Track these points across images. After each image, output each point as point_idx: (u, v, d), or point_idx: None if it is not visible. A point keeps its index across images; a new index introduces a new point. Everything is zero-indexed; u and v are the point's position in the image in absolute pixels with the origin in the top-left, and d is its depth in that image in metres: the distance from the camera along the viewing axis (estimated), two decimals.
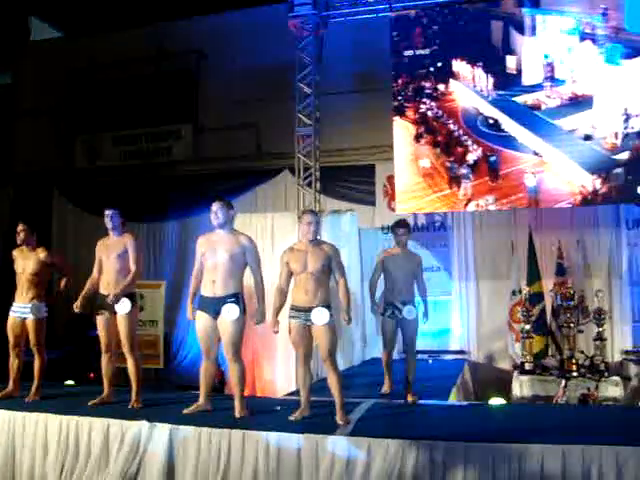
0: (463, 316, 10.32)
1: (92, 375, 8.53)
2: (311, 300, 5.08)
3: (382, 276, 6.36)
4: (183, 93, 12.13)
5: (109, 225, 5.84)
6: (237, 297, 5.27)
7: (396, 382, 6.49)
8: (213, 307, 5.24)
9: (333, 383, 5.11)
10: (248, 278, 5.44)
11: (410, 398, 6.02)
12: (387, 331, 6.35)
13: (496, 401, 6.60)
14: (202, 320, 5.32)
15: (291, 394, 7.01)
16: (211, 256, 5.28)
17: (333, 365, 5.11)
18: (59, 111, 12.59)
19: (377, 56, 10.01)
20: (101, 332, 5.81)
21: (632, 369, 9.06)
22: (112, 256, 5.76)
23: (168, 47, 11.88)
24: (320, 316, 5.04)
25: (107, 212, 5.83)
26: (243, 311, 5.27)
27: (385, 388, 6.58)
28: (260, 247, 8.93)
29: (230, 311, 5.20)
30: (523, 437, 4.46)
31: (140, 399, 5.69)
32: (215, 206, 5.32)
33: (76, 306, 5.80)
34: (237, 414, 5.25)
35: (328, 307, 5.08)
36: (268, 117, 10.99)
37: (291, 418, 5.09)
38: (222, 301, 5.22)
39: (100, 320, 5.79)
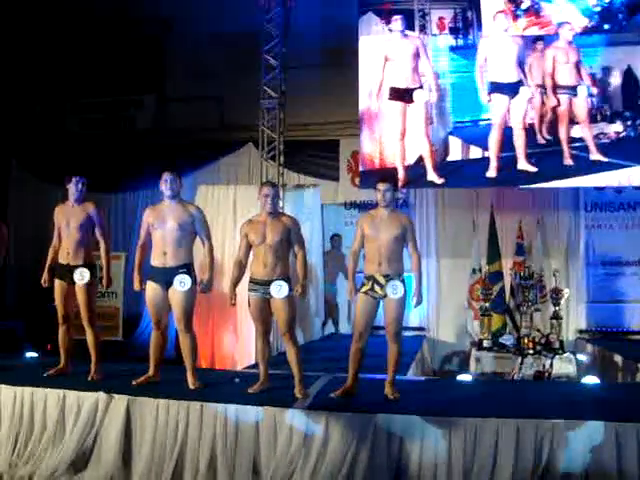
0: (423, 293, 10.40)
1: (49, 346, 8.41)
2: (270, 273, 5.04)
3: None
4: (148, 62, 11.89)
5: (74, 192, 5.69)
6: (188, 268, 5.27)
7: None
8: (164, 277, 5.23)
9: (292, 357, 5.10)
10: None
11: (391, 393, 4.96)
12: (362, 313, 5.00)
13: (462, 377, 6.60)
14: (152, 290, 5.30)
15: (250, 367, 7.02)
16: (160, 226, 5.25)
17: (292, 339, 5.11)
18: (17, 77, 12.23)
19: (345, 31, 9.93)
20: (59, 303, 5.71)
21: (586, 348, 9.31)
22: (73, 225, 5.63)
23: (134, 14, 11.60)
24: (279, 289, 5.00)
25: (75, 179, 5.69)
26: (194, 282, 5.28)
27: (342, 389, 5.01)
28: (222, 220, 9.02)
29: (182, 282, 5.19)
30: (479, 411, 4.53)
31: (99, 371, 5.63)
32: (168, 175, 5.28)
33: (44, 281, 5.73)
34: (190, 386, 5.24)
35: (287, 280, 5.05)
36: (233, 89, 10.85)
37: (250, 391, 5.08)
38: (173, 272, 5.21)
39: (58, 290, 5.69)
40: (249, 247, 5.18)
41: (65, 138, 12.04)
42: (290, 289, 5.05)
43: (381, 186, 5.07)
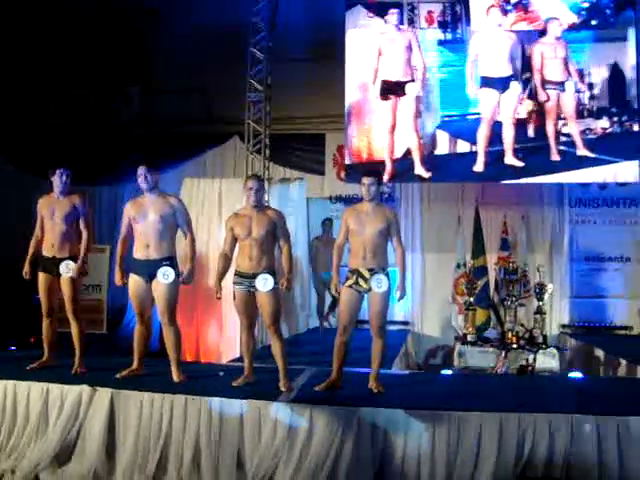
0: (408, 287, 10.44)
1: (33, 339, 8.35)
2: (255, 266, 5.04)
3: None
4: (133, 54, 11.79)
5: (59, 185, 5.64)
6: (171, 260, 5.27)
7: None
8: (147, 270, 5.22)
9: (277, 350, 5.11)
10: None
11: (375, 387, 4.99)
12: (347, 306, 5.01)
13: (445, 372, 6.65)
14: (135, 283, 5.29)
15: (235, 360, 7.02)
16: (142, 219, 5.24)
17: (277, 332, 5.11)
18: (0, 69, 12.10)
19: (332, 25, 9.91)
20: (43, 296, 5.66)
21: (569, 342, 9.39)
22: (57, 216, 5.58)
23: (118, 6, 11.49)
24: (264, 283, 5.01)
25: (59, 171, 5.64)
26: (178, 274, 5.27)
27: (327, 382, 5.04)
28: (207, 213, 9.00)
29: (166, 274, 5.18)
30: (462, 405, 4.56)
31: (83, 363, 5.60)
32: (142, 170, 5.24)
33: (25, 273, 5.67)
34: (175, 379, 5.25)
35: (273, 274, 5.06)
36: (219, 82, 10.76)
37: (234, 384, 5.09)
38: (157, 264, 5.20)
39: (42, 283, 5.64)
40: (234, 240, 5.17)
41: (49, 130, 11.92)
42: (275, 282, 5.05)
43: (366, 180, 5.07)
